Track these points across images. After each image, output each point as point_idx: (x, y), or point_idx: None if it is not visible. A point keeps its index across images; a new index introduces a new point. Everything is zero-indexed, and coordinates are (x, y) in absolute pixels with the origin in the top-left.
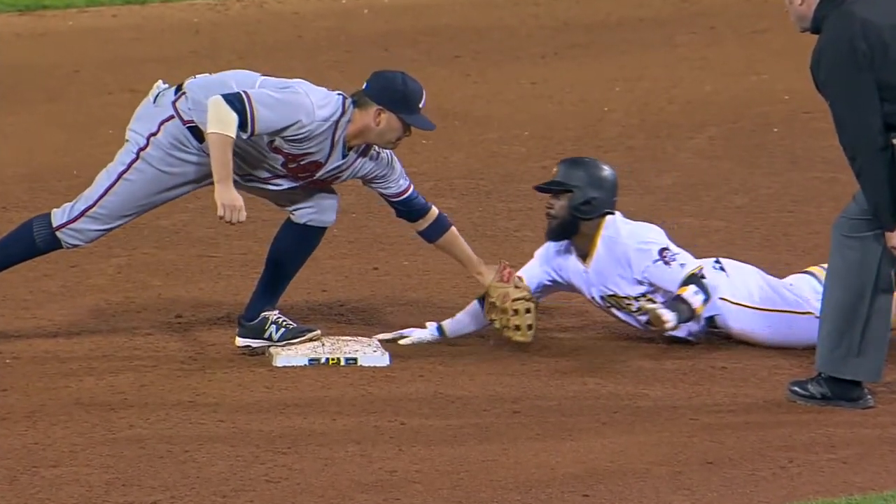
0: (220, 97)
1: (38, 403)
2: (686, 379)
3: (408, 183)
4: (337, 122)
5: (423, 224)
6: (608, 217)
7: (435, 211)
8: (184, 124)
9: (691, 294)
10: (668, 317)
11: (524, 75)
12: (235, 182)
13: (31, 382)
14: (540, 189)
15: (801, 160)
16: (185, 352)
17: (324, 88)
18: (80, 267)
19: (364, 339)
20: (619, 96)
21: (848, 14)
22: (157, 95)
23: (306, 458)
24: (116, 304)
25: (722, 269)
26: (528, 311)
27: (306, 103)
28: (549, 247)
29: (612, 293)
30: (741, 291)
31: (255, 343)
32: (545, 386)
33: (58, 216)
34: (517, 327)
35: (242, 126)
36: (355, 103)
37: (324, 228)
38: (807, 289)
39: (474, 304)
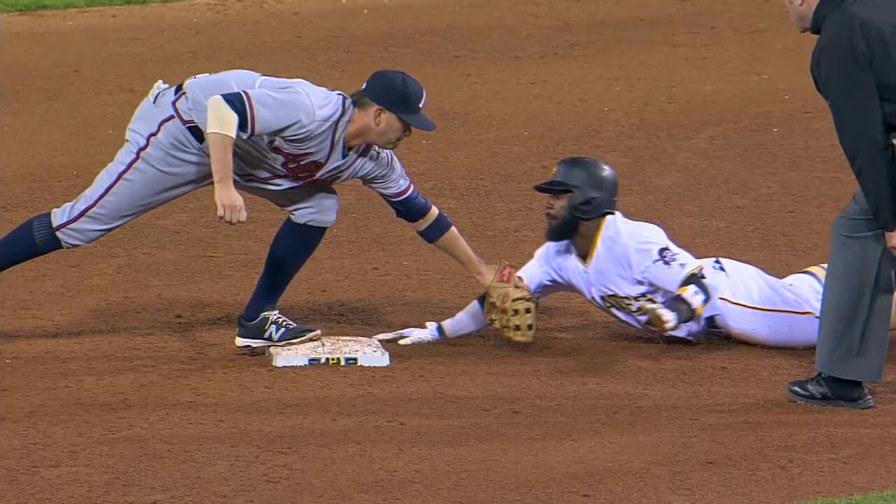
0: (221, 97)
1: (38, 403)
2: (686, 379)
3: (408, 183)
4: (337, 122)
5: (424, 224)
6: (608, 217)
7: (435, 211)
8: (184, 124)
9: (691, 294)
10: (668, 317)
11: (524, 75)
12: (235, 182)
13: (30, 382)
14: (540, 189)
15: (801, 160)
16: (185, 352)
17: (324, 88)
18: (79, 267)
19: (364, 339)
20: (619, 96)
21: (848, 14)
22: (157, 95)
23: (306, 459)
24: (116, 304)
25: (722, 268)
26: (528, 310)
27: (306, 103)
28: (548, 247)
29: (612, 293)
30: (741, 291)
31: (255, 343)
32: (545, 386)
33: (58, 216)
34: (517, 327)
35: (242, 126)
36: (355, 103)
37: (324, 228)
38: (807, 289)
39: (474, 304)
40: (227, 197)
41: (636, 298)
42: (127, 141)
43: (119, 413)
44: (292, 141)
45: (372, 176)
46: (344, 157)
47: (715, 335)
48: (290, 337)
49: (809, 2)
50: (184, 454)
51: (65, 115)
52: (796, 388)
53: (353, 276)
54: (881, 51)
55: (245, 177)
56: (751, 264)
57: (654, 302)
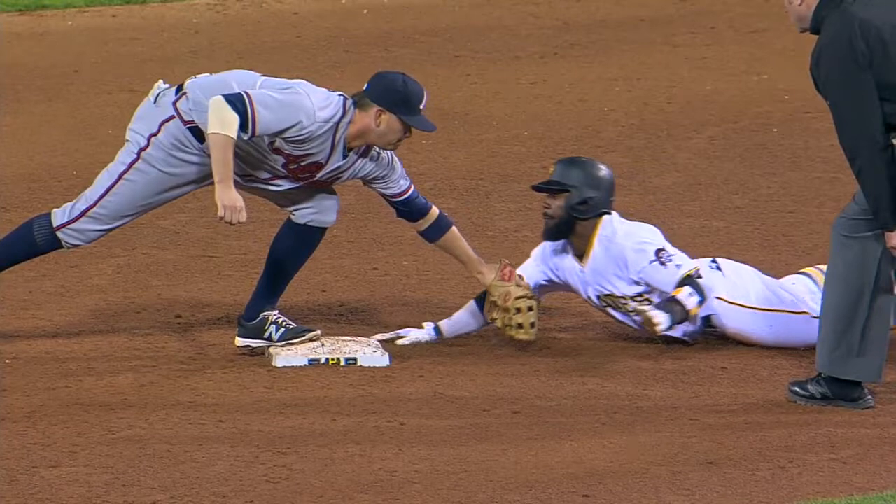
0: (222, 98)
1: (38, 404)
2: (686, 379)
3: (408, 183)
4: (338, 123)
5: (424, 224)
6: (605, 217)
7: (435, 211)
8: (184, 125)
9: (686, 296)
10: (659, 319)
11: (524, 75)
12: (236, 182)
13: (30, 382)
14: (537, 188)
15: (801, 160)
16: (185, 352)
17: (325, 89)
18: (79, 267)
19: (364, 340)
20: (619, 96)
21: (847, 14)
22: (157, 95)
23: (306, 459)
24: (116, 304)
25: (718, 268)
26: (530, 309)
27: (307, 104)
28: (545, 246)
29: (608, 293)
30: (738, 291)
31: (254, 343)
32: (545, 386)
33: (58, 216)
34: (520, 325)
35: (243, 127)
36: (356, 104)
37: (324, 229)
38: (803, 289)
39: (471, 304)
40: (228, 197)
41: (632, 298)
42: (127, 141)
43: (119, 413)
44: (293, 142)
45: (372, 176)
46: (344, 157)
47: (711, 335)
48: (289, 337)
49: (809, 2)
50: (183, 454)
51: (64, 115)
52: (796, 389)
53: (353, 276)
54: (881, 51)
55: (245, 177)
56: (749, 264)
57: (651, 302)
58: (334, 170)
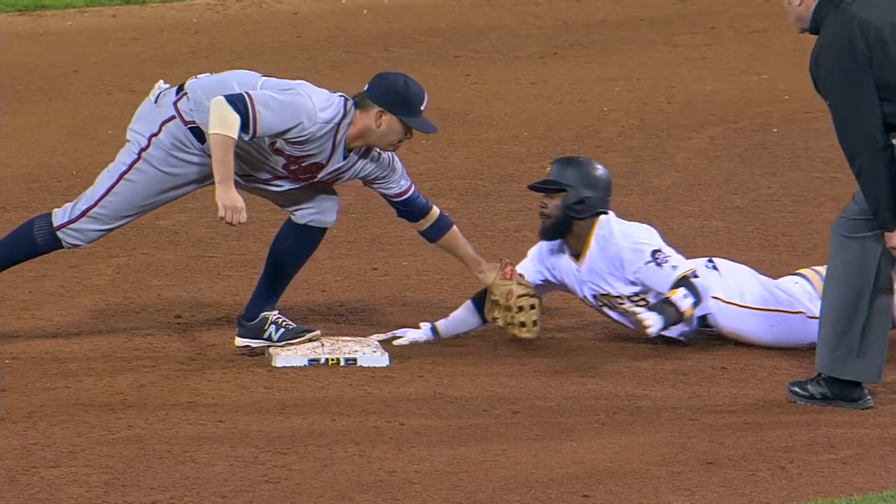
0: (223, 98)
1: (38, 404)
2: (686, 379)
3: (409, 183)
4: (338, 124)
5: (425, 224)
6: (602, 217)
7: (436, 211)
8: (185, 125)
9: (680, 297)
10: (651, 322)
11: (523, 75)
12: (236, 182)
13: (30, 383)
14: (534, 188)
15: (801, 160)
16: (185, 352)
17: (325, 90)
18: (79, 267)
19: (364, 340)
20: (618, 96)
21: (846, 14)
22: (158, 95)
23: (306, 459)
24: (115, 304)
25: (715, 268)
26: (532, 307)
27: (308, 105)
28: (542, 246)
29: (604, 292)
30: (733, 290)
31: (254, 343)
32: (544, 386)
33: (59, 216)
34: (522, 324)
35: (244, 127)
36: (357, 105)
37: (324, 229)
38: (799, 290)
39: (468, 304)
40: (228, 198)
41: (629, 298)
42: (128, 141)
43: (118, 413)
44: (294, 143)
45: (373, 177)
46: (345, 158)
47: (708, 335)
48: (289, 337)
49: (808, 2)
50: (183, 455)
51: (64, 115)
52: (796, 389)
53: (353, 276)
54: (880, 50)
55: (246, 177)
56: (749, 264)
57: (647, 302)
58: (335, 170)
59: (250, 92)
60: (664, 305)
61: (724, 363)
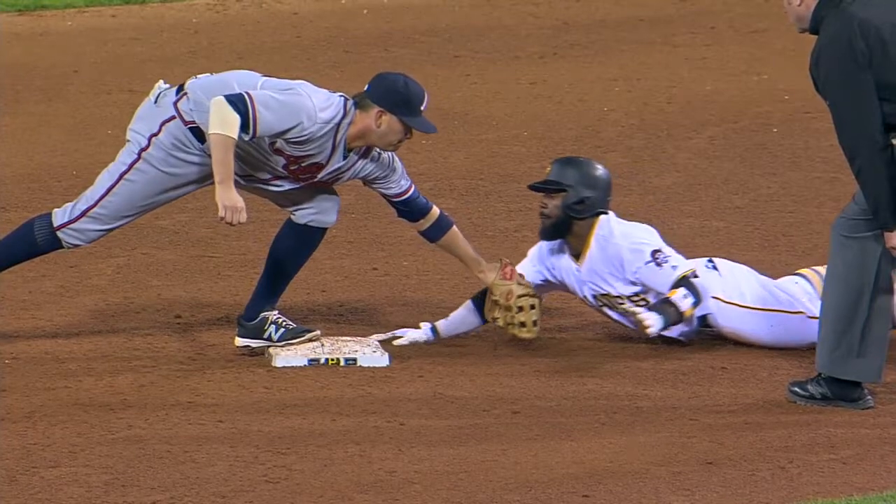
0: (223, 98)
1: (37, 404)
2: (685, 379)
3: (409, 183)
4: (338, 124)
5: (425, 224)
6: (602, 217)
7: (436, 210)
8: (185, 125)
9: (680, 297)
10: (650, 322)
11: (523, 75)
12: (236, 182)
13: (30, 383)
14: (533, 188)
15: (801, 160)
16: (185, 352)
17: (326, 90)
18: (78, 267)
19: (364, 340)
20: (618, 96)
21: (846, 14)
22: (158, 96)
23: (306, 459)
24: (115, 304)
25: (714, 267)
26: (532, 307)
27: (308, 106)
28: (541, 246)
29: (604, 292)
30: (733, 290)
31: (254, 343)
32: (544, 386)
33: (59, 216)
34: (522, 324)
35: (244, 128)
36: (357, 105)
37: (324, 229)
38: (798, 290)
39: (468, 304)
40: (229, 198)
41: (629, 298)
42: (128, 141)
43: (118, 413)
44: (294, 143)
45: (373, 177)
46: (345, 158)
47: (707, 334)
48: (289, 337)
49: (808, 2)
50: (183, 455)
51: (64, 115)
52: (796, 389)
53: (353, 276)
54: (880, 50)
55: (246, 177)
56: (749, 264)
57: (647, 302)
58: (335, 170)
59: (250, 92)
60: (664, 305)
61: (724, 363)
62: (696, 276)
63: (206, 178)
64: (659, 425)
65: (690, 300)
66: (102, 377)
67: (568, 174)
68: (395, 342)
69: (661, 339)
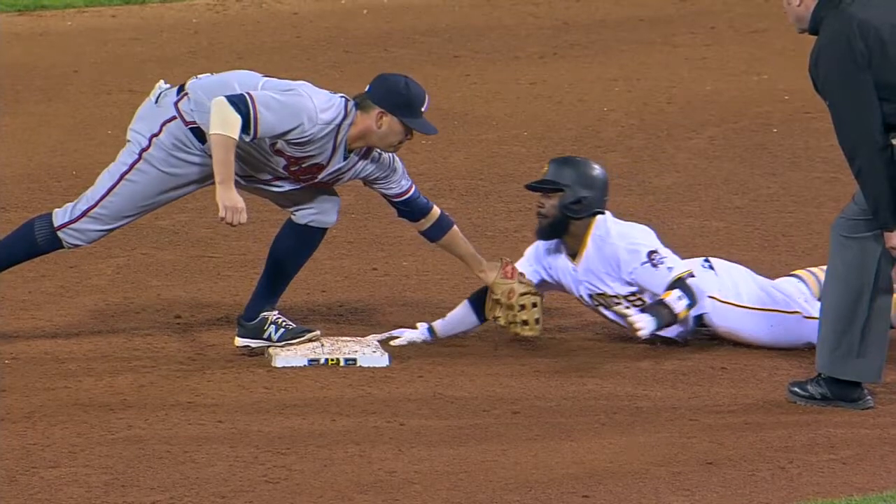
0: (224, 98)
1: (37, 404)
2: (685, 379)
3: (409, 183)
4: (339, 125)
5: (426, 224)
6: (598, 217)
7: (437, 210)
8: (186, 125)
9: (674, 299)
10: (641, 324)
11: (523, 75)
12: (236, 182)
13: (29, 383)
14: (530, 188)
15: (801, 160)
16: (184, 352)
17: (327, 91)
18: (78, 267)
19: (363, 340)
20: (618, 96)
21: (846, 14)
22: (158, 96)
23: (305, 459)
24: (115, 304)
25: (711, 267)
26: (534, 305)
27: (309, 107)
28: (538, 245)
29: (600, 292)
30: (730, 290)
31: (254, 343)
32: (544, 387)
33: (59, 216)
34: (525, 322)
35: (245, 128)
36: (357, 106)
37: (325, 229)
38: (794, 291)
39: (465, 304)
40: (229, 198)
41: (625, 297)
42: (128, 141)
43: (118, 414)
44: (295, 144)
45: (374, 177)
46: (345, 159)
47: (704, 334)
48: (289, 337)
49: (807, 2)
50: (183, 455)
51: (64, 115)
52: (796, 389)
53: (353, 276)
54: (879, 51)
55: (246, 178)
56: (749, 265)
57: (644, 301)
58: (335, 171)
59: (251, 93)
60: (658, 307)
61: (724, 363)
62: (692, 277)
63: (206, 179)
64: (659, 425)
65: (685, 302)
66: (102, 377)
67: (565, 174)
68: (392, 342)
69: (659, 340)
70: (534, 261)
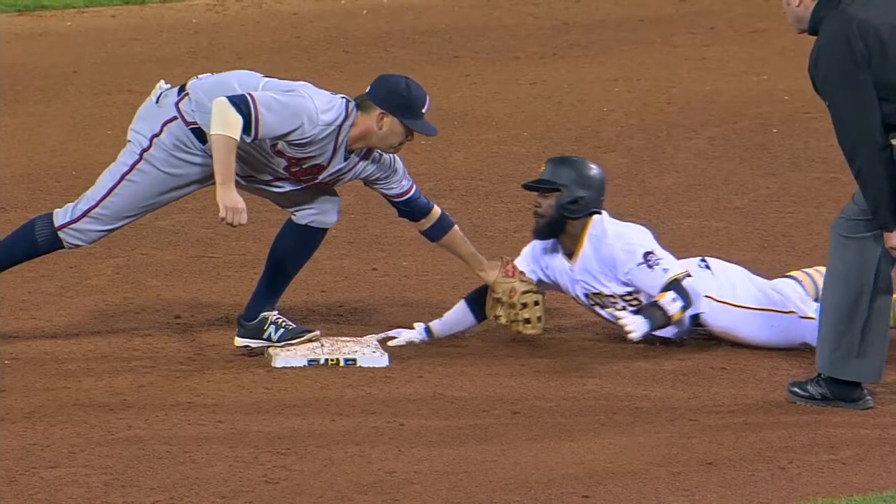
0: (226, 99)
1: (37, 404)
2: (685, 380)
3: (410, 183)
4: (340, 126)
5: (426, 224)
6: (595, 216)
7: (437, 210)
8: (187, 125)
9: (668, 301)
10: (632, 327)
11: (523, 75)
12: (237, 183)
13: (29, 383)
14: (527, 187)
15: (801, 161)
16: (184, 352)
17: (327, 92)
18: (78, 268)
19: (363, 340)
20: (618, 96)
21: (845, 14)
22: (159, 96)
23: (305, 459)
24: (115, 304)
25: (707, 267)
26: (536, 303)
27: (310, 108)
28: (535, 245)
29: (596, 291)
30: (726, 290)
31: (254, 343)
32: (544, 387)
33: (60, 216)
34: (527, 320)
35: (246, 129)
36: (358, 107)
37: (325, 230)
38: (790, 291)
39: (461, 304)
40: (230, 199)
41: (622, 297)
42: (129, 141)
43: (118, 414)
44: (295, 145)
45: (374, 178)
46: (346, 160)
47: (701, 334)
48: (289, 337)
49: (807, 3)
50: (182, 455)
51: (63, 115)
52: (796, 389)
53: (353, 276)
54: (879, 51)
55: (247, 178)
56: (748, 265)
57: (640, 301)
58: (336, 172)
59: (253, 93)
60: (652, 309)
61: (723, 363)
62: (689, 276)
63: (207, 179)
64: (659, 426)
65: (679, 304)
66: (102, 377)
67: (562, 174)
68: (390, 343)
69: (657, 340)
70: (530, 260)
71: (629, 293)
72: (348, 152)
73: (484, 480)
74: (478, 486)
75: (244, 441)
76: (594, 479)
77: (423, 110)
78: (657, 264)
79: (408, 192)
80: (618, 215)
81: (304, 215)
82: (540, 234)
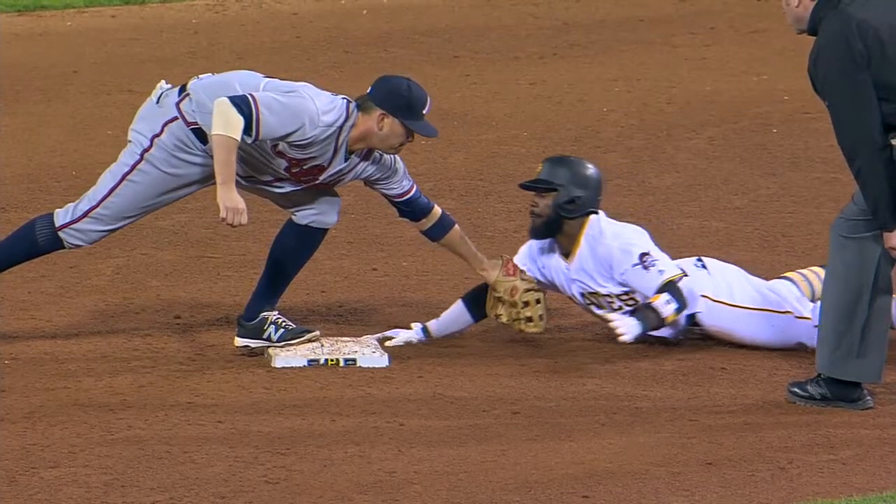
0: (227, 99)
1: (37, 404)
2: (685, 380)
3: (410, 183)
4: (341, 127)
5: (427, 224)
6: (592, 216)
7: (438, 210)
8: (187, 126)
9: (662, 303)
10: (623, 330)
11: (523, 75)
12: (237, 183)
13: (29, 383)
14: (524, 187)
15: (801, 161)
16: (184, 353)
17: (328, 93)
18: (78, 268)
19: (363, 340)
20: (618, 96)
21: (844, 15)
22: (160, 96)
23: (305, 460)
24: (115, 304)
25: (704, 266)
26: (538, 301)
27: (311, 109)
28: (532, 245)
29: (592, 291)
30: (722, 289)
31: (254, 343)
32: (544, 387)
33: (60, 216)
34: (529, 319)
35: (247, 130)
36: (359, 107)
37: (325, 230)
38: (786, 291)
39: (458, 304)
40: (230, 199)
41: (618, 297)
42: (130, 142)
43: (118, 414)
44: (296, 146)
45: (375, 178)
46: (346, 160)
47: (697, 334)
48: (289, 337)
49: (806, 3)
50: (182, 455)
51: (63, 115)
52: (796, 389)
53: (353, 276)
54: (879, 51)
55: (247, 178)
56: (748, 265)
57: (636, 301)
58: (336, 172)
59: (254, 94)
60: (645, 311)
61: (723, 363)
62: (686, 276)
63: (208, 179)
64: (658, 426)
65: (673, 306)
66: (102, 377)
67: (559, 173)
68: (387, 343)
69: (656, 340)
70: (527, 260)
71: (625, 293)
72: (349, 153)
73: (484, 480)
74: (478, 486)
75: (244, 441)
76: (594, 479)
77: (424, 111)
78: (653, 265)
79: (408, 192)
80: (617, 215)
81: (305, 215)
82: (536, 233)
